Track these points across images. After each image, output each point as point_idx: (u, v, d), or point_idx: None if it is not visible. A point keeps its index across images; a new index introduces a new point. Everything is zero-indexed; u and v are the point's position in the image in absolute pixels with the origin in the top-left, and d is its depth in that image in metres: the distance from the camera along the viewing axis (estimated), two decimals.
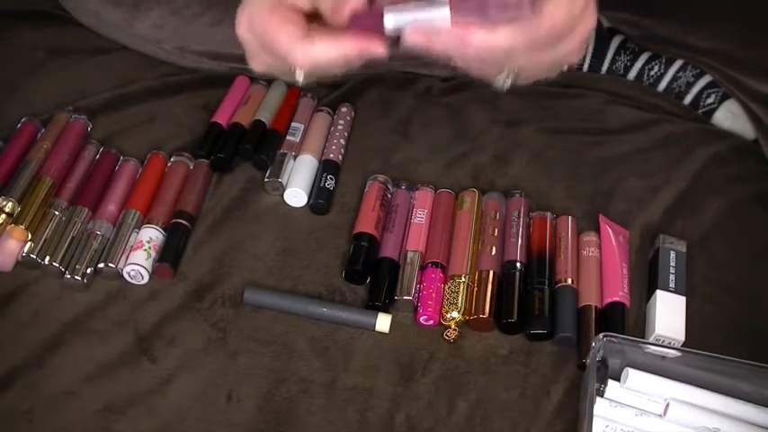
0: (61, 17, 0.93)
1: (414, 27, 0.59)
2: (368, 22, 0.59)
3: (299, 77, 0.62)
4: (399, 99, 0.92)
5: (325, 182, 0.82)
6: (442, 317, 0.74)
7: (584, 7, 0.59)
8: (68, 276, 0.73)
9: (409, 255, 0.77)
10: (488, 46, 0.58)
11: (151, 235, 0.76)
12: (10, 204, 0.76)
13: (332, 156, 0.84)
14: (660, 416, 0.68)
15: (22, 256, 0.74)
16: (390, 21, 0.59)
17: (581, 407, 0.68)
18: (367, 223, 0.79)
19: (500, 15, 0.57)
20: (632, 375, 0.68)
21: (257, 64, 0.65)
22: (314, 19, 0.61)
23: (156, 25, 0.88)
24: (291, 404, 0.69)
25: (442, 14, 0.58)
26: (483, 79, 0.63)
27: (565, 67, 0.63)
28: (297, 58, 0.60)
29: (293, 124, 0.87)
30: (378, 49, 0.59)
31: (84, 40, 0.92)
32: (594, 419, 0.66)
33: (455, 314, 0.73)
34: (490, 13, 0.57)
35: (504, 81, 0.62)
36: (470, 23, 0.58)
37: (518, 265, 0.77)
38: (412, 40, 0.58)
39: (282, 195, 0.82)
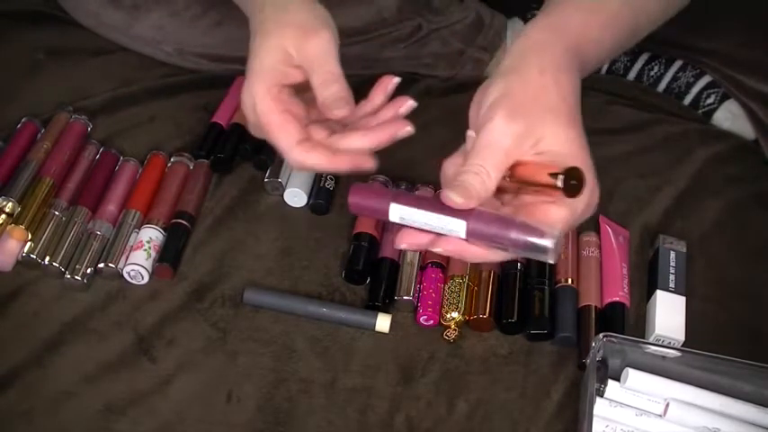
0: (61, 18, 0.93)
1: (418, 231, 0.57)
2: (371, 203, 0.58)
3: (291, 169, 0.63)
4: None
5: (325, 182, 0.82)
6: (442, 317, 0.74)
7: (584, 209, 0.59)
8: (68, 276, 0.73)
9: (409, 255, 0.77)
10: (485, 260, 0.58)
11: (151, 235, 0.76)
12: (10, 204, 0.76)
13: None
14: (660, 416, 0.68)
15: (22, 256, 0.74)
16: (395, 215, 0.57)
17: (581, 407, 0.68)
18: (367, 223, 0.78)
19: (515, 252, 0.56)
20: (632, 375, 0.68)
21: (255, 132, 0.66)
22: (308, 87, 0.63)
23: (155, 27, 0.88)
24: (291, 404, 0.69)
25: (456, 231, 0.55)
26: None
27: None
28: (291, 159, 0.62)
29: None
30: (367, 164, 0.61)
31: (84, 40, 0.92)
32: (594, 419, 0.66)
33: (455, 314, 0.73)
34: (507, 249, 0.56)
35: None
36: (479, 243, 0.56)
37: (518, 265, 0.76)
38: (415, 241, 0.58)
39: (282, 195, 0.82)
